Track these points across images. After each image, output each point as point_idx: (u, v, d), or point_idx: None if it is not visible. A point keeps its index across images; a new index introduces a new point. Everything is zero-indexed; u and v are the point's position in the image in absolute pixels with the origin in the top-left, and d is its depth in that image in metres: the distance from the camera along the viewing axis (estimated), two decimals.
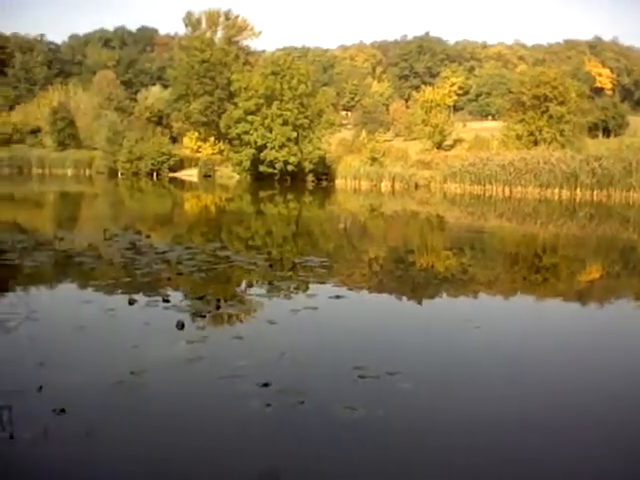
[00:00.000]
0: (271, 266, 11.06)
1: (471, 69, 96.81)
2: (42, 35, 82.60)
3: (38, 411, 4.50)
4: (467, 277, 11.69)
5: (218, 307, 7.81)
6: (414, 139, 58.55)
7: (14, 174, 52.84)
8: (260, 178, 43.74)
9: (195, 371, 5.58)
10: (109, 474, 3.88)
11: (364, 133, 55.78)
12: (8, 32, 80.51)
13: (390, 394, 5.21)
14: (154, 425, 4.53)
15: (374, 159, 43.17)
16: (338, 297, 8.75)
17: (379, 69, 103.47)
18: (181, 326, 6.86)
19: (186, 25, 59.37)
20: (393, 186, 39.23)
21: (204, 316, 7.43)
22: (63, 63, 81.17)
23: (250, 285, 9.74)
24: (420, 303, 9.44)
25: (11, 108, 62.64)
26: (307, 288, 9.45)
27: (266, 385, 5.19)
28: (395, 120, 71.34)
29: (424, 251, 15.26)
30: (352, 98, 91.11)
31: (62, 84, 67.56)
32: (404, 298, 9.75)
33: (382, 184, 39.87)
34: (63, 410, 4.50)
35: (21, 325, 6.54)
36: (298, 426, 4.56)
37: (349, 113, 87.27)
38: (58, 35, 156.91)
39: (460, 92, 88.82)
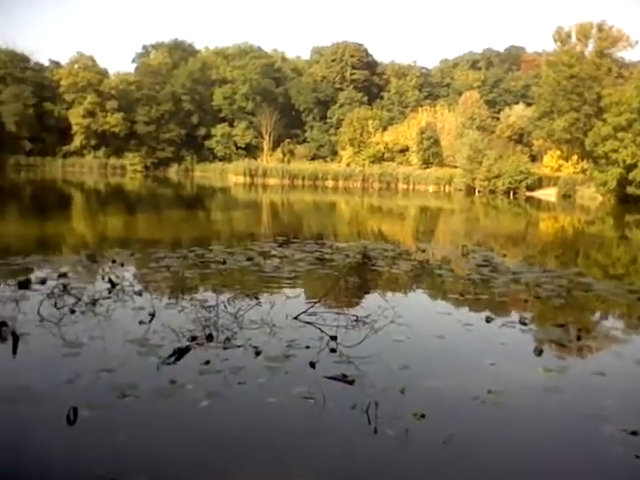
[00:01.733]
0: None
1: None
2: (415, 61, 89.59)
3: (400, 411, 4.82)
4: None
5: (579, 338, 7.31)
6: None
7: (383, 189, 58.35)
8: (627, 200, 39.74)
9: (552, 402, 5.32)
10: None
11: None
12: (387, 60, 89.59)
13: None
14: (505, 448, 4.46)
15: None
16: None
17: None
18: (539, 352, 6.62)
19: (555, 41, 57.51)
20: None
21: (563, 345, 7.04)
22: (433, 86, 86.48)
23: (614, 318, 8.90)
24: None
25: (384, 129, 69.20)
26: None
27: (635, 433, 4.66)
28: None
29: None
30: None
31: (430, 106, 72.12)
32: None
33: None
34: (423, 415, 4.74)
35: (387, 327, 7.13)
36: None
37: None
38: (430, 60, 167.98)
39: None
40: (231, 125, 79.47)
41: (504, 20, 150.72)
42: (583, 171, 50.08)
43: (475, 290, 10.07)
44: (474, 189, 52.10)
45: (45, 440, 4.20)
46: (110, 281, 8.47)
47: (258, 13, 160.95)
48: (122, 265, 9.93)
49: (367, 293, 9.81)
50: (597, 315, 9.35)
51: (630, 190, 39.55)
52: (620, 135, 39.72)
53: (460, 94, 73.64)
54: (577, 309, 9.32)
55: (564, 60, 53.03)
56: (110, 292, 8.17)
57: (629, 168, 39.06)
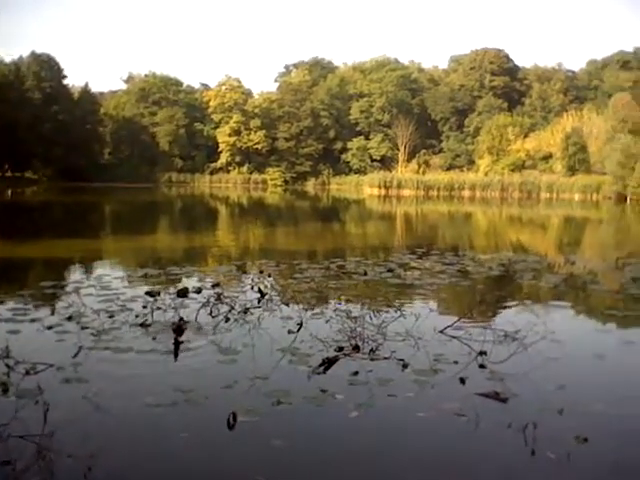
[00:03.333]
0: None
1: None
2: (560, 64, 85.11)
3: (560, 434, 4.55)
4: None
5: None
6: None
7: (523, 198, 56.00)
8: None
9: None
10: None
11: None
12: (529, 65, 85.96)
13: None
14: None
15: None
16: None
17: None
18: None
19: None
20: None
21: None
22: (579, 89, 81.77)
23: None
24: None
25: (525, 136, 66.51)
26: None
27: None
28: None
29: None
30: None
31: (576, 110, 68.21)
32: None
33: None
34: (585, 440, 4.44)
35: (539, 344, 6.77)
36: None
37: None
38: (576, 62, 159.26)
39: None
40: (367, 138, 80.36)
41: None
42: None
43: (635, 306, 9.32)
44: (625, 197, 48.51)
45: (207, 442, 4.43)
46: (259, 291, 8.84)
47: (395, 26, 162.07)
48: (269, 275, 10.32)
49: (514, 307, 9.42)
50: None
51: None
52: None
53: (610, 96, 68.94)
54: None
55: None
56: (259, 301, 8.52)
57: None
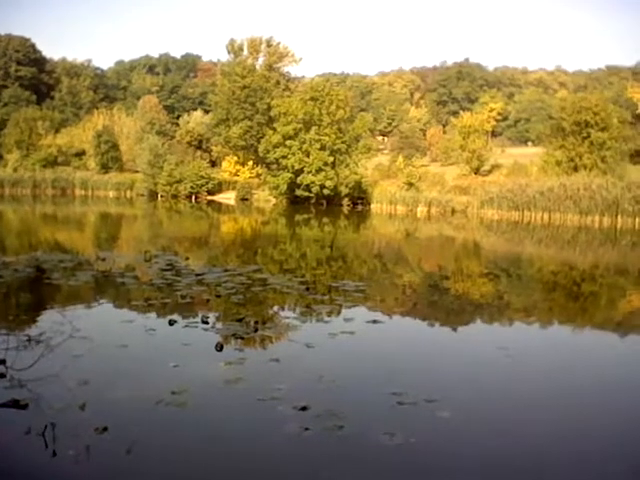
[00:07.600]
0: (307, 289, 11.13)
1: (510, 95, 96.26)
2: (89, 60, 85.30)
3: (81, 429, 4.61)
4: (502, 304, 11.57)
5: (256, 329, 7.90)
6: (451, 164, 58.20)
7: (57, 195, 54.37)
8: (296, 202, 44.12)
9: (233, 393, 5.66)
10: None
11: (401, 158, 55.76)
12: (57, 57, 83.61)
13: (428, 421, 5.20)
14: (193, 445, 4.61)
15: (410, 184, 43.18)
16: (375, 322, 8.77)
17: (417, 95, 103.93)
18: (220, 348, 6.98)
19: (228, 52, 60.70)
20: (429, 211, 39.06)
21: (242, 338, 7.53)
22: (108, 88, 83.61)
23: (287, 308, 9.84)
24: (455, 330, 9.36)
25: (57, 131, 64.56)
26: (343, 312, 9.48)
27: (304, 409, 5.23)
28: (432, 145, 71.17)
29: (459, 277, 15.14)
30: (389, 123, 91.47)
31: (107, 108, 69.54)
32: (439, 324, 9.69)
33: (418, 209, 39.72)
34: (105, 429, 4.61)
35: (65, 343, 6.72)
36: (337, 451, 4.59)
37: (386, 138, 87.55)
38: (104, 61, 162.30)
39: (499, 118, 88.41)
40: None
41: (179, 27, 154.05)
42: (258, 176, 53.94)
43: (159, 295, 10.09)
44: (157, 194, 52.01)
45: None
46: None
47: None
48: None
49: (41, 310, 9.08)
50: (273, 307, 10.20)
51: (298, 192, 43.93)
52: (288, 143, 43.83)
53: (138, 98, 72.72)
54: (255, 303, 10.04)
55: (237, 71, 56.31)
56: None
57: (297, 173, 43.38)
